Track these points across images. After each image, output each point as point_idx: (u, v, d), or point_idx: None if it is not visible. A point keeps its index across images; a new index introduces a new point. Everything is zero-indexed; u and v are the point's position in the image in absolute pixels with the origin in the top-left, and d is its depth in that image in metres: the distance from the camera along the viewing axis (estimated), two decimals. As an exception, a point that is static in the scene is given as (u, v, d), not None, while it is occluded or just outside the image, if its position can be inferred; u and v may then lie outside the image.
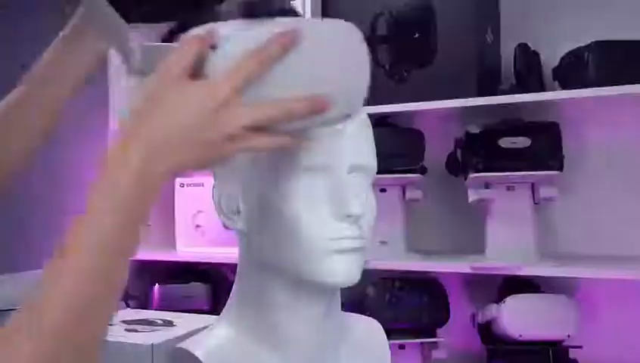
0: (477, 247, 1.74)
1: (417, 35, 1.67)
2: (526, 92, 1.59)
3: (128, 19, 0.66)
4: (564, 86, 1.62)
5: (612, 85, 1.48)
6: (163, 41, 0.65)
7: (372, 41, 1.72)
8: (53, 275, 0.52)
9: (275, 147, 0.57)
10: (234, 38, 0.56)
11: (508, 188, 1.66)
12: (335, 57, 0.58)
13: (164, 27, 0.75)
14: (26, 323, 0.50)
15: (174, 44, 0.58)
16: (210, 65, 0.55)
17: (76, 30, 0.76)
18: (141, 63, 0.63)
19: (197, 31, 0.59)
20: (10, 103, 0.79)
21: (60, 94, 0.78)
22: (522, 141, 1.59)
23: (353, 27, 0.61)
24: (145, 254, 2.04)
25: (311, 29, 0.57)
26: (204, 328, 0.76)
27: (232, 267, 0.71)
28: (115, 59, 2.24)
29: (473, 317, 1.74)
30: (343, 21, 0.60)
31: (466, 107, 1.64)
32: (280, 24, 0.56)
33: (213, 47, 0.55)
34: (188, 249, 1.98)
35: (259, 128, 0.55)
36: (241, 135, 0.54)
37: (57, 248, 0.53)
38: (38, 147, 0.79)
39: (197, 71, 0.55)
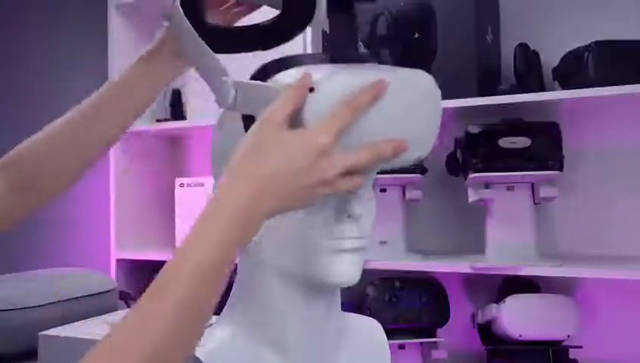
0: (477, 247, 1.74)
1: (417, 35, 1.67)
2: (526, 92, 1.59)
3: (215, 49, 0.68)
4: (564, 86, 1.62)
5: (612, 85, 1.48)
6: (254, 77, 0.67)
7: (372, 41, 1.72)
8: (153, 298, 0.56)
9: (356, 187, 0.62)
10: (328, 82, 0.61)
11: (508, 188, 1.66)
12: (414, 104, 0.63)
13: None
14: (126, 341, 0.53)
15: (268, 85, 0.63)
16: (307, 107, 0.60)
17: (159, 48, 0.80)
18: (233, 99, 0.65)
19: (290, 74, 0.63)
20: (78, 113, 0.82)
21: (133, 109, 0.83)
22: (522, 141, 1.58)
23: (429, 76, 0.66)
24: (145, 254, 2.04)
25: (393, 77, 0.61)
26: (204, 328, 0.76)
27: (232, 267, 0.71)
28: (115, 59, 2.23)
29: (473, 317, 1.74)
30: (421, 71, 0.65)
31: (466, 107, 1.64)
32: (366, 71, 0.62)
33: (311, 90, 0.60)
34: (188, 249, 1.98)
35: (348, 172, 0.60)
36: (334, 180, 0.59)
37: (160, 273, 0.57)
38: (95, 159, 0.84)
39: (295, 113, 0.60)
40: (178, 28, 0.71)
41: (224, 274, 0.58)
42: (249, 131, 0.62)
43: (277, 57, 0.66)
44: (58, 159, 0.82)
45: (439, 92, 0.67)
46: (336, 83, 0.61)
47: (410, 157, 0.65)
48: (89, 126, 0.81)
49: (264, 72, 0.66)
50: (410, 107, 0.63)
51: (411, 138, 0.63)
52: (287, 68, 0.65)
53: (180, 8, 0.71)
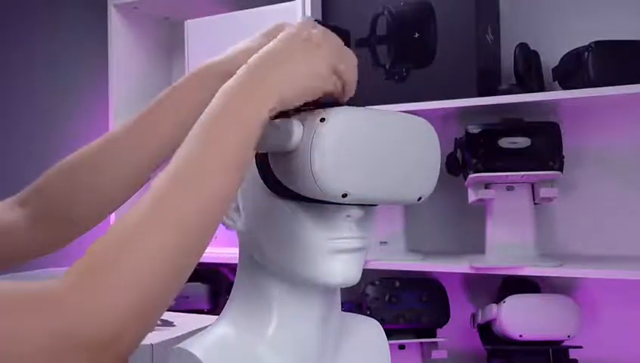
0: (477, 247, 1.74)
1: (416, 35, 1.67)
2: (526, 92, 1.59)
3: None
4: (564, 86, 1.62)
5: (612, 85, 1.48)
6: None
7: (372, 41, 1.72)
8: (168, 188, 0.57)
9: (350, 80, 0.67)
10: (339, 115, 0.64)
11: (508, 188, 1.66)
12: (415, 146, 0.69)
13: None
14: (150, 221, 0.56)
15: (288, 119, 0.65)
16: (319, 134, 0.63)
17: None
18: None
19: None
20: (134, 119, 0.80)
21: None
22: (522, 141, 1.58)
23: (428, 123, 0.71)
24: (145, 254, 2.04)
25: (397, 118, 0.68)
26: (204, 328, 0.76)
27: (232, 267, 0.72)
28: (115, 59, 2.22)
29: (473, 317, 1.74)
30: (421, 118, 0.71)
31: (466, 107, 1.64)
32: (374, 110, 0.67)
33: (322, 120, 0.63)
34: (188, 249, 1.97)
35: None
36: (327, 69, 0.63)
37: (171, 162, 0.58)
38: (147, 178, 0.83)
39: (307, 136, 0.63)
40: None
41: (244, 158, 0.59)
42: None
43: None
44: (106, 173, 0.80)
45: (436, 139, 0.72)
46: (345, 115, 0.64)
47: (409, 196, 0.69)
48: (153, 127, 0.79)
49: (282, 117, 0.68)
50: (409, 147, 0.68)
51: (411, 178, 0.67)
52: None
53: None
